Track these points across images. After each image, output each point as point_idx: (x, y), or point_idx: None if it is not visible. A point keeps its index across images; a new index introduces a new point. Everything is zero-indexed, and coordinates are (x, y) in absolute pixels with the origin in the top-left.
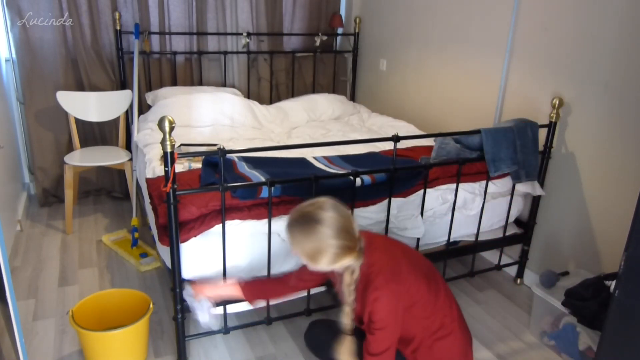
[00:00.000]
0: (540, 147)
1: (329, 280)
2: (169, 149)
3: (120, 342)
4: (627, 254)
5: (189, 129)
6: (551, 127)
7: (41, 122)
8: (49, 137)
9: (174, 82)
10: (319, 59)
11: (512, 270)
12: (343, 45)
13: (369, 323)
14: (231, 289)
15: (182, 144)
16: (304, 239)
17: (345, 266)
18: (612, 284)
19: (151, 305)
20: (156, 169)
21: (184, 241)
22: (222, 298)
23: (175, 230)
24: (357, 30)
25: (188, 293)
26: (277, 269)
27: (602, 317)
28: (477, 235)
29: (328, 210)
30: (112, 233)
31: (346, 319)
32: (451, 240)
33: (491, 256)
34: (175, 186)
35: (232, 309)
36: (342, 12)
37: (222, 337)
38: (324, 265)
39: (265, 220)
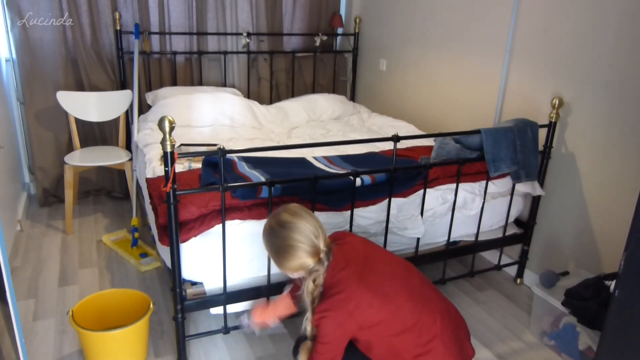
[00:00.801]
0: (540, 147)
1: None
2: (169, 149)
3: (120, 342)
4: (627, 254)
5: (189, 129)
6: (551, 127)
7: (41, 122)
8: (49, 137)
9: (174, 82)
10: (319, 59)
11: (512, 270)
12: (343, 45)
13: (316, 334)
14: (286, 305)
15: (182, 144)
16: (274, 237)
17: (309, 271)
18: (612, 284)
19: (151, 305)
20: (156, 169)
21: (184, 241)
22: (281, 318)
23: (175, 230)
24: (357, 30)
25: (244, 322)
26: (277, 268)
27: (602, 317)
28: (477, 235)
29: (299, 213)
30: (112, 233)
31: (308, 325)
32: (451, 240)
33: (491, 256)
34: (175, 186)
35: (232, 308)
36: (342, 12)
37: (222, 337)
38: (291, 264)
39: (265, 220)
